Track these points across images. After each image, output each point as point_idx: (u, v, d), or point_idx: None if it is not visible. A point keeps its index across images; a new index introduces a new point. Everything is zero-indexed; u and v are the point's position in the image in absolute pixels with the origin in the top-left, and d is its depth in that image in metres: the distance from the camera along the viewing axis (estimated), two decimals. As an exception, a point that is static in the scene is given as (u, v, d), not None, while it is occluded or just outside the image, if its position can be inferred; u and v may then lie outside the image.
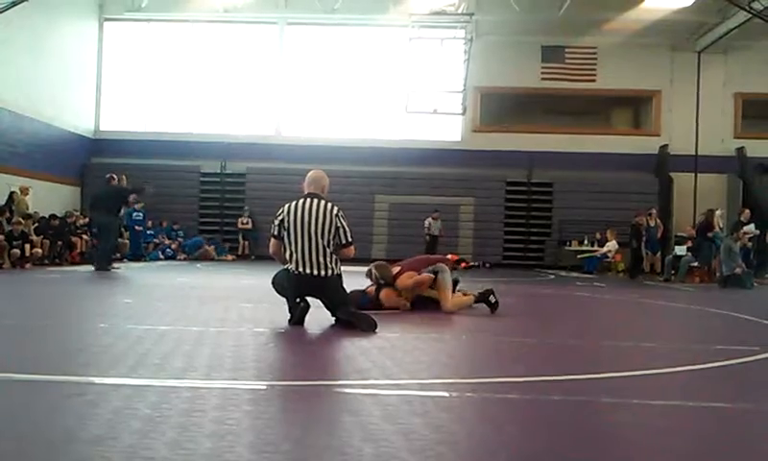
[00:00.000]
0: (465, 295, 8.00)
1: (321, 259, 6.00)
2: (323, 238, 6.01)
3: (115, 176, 14.65)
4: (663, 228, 19.28)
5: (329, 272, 6.03)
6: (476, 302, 7.81)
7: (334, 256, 6.09)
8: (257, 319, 6.59)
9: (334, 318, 6.15)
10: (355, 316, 6.07)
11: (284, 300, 6.22)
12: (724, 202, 22.07)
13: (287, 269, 6.11)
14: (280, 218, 6.12)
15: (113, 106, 23.97)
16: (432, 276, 7.58)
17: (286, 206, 6.16)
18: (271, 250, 6.34)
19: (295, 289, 6.10)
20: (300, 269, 6.01)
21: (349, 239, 6.17)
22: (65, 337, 5.43)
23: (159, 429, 2.71)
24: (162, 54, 23.89)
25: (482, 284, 8.21)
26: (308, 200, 6.12)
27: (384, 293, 7.51)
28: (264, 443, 2.63)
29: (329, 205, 6.14)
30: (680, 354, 5.44)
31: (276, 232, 6.17)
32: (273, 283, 6.36)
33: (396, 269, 7.71)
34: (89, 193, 19.29)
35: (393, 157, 22.64)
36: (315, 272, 6.00)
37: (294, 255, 6.04)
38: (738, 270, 14.66)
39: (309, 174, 6.38)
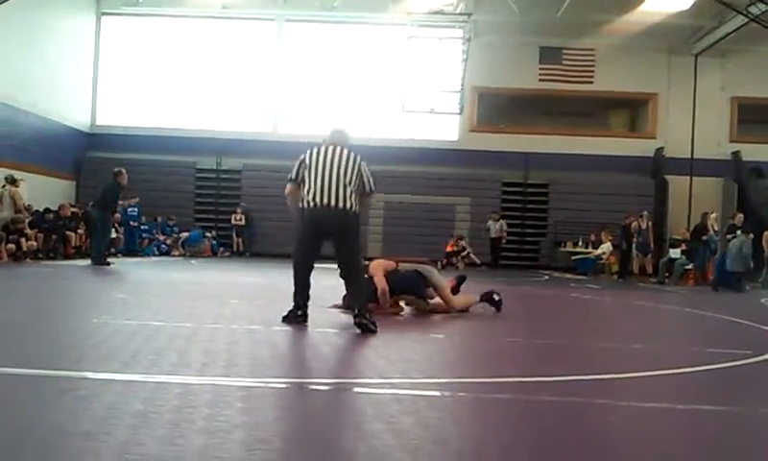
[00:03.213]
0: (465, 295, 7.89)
1: (341, 193, 5.81)
2: (345, 177, 5.86)
3: (123, 171, 14.42)
4: (655, 230, 19.30)
5: (349, 206, 5.83)
6: (480, 301, 7.72)
7: (354, 196, 5.90)
8: (251, 316, 6.59)
9: (353, 318, 5.77)
10: (363, 315, 5.74)
11: (283, 300, 6.12)
12: (719, 205, 22.09)
13: (302, 213, 5.87)
14: (302, 159, 6.01)
15: (110, 100, 23.89)
16: (385, 287, 6.92)
17: (309, 150, 6.06)
18: (287, 192, 6.16)
19: (310, 234, 5.90)
20: (318, 200, 5.80)
21: (373, 187, 6.05)
22: (59, 332, 5.42)
23: (151, 425, 2.72)
24: (160, 49, 23.80)
25: (484, 285, 8.21)
26: (332, 146, 6.02)
27: (372, 265, 7.16)
28: (255, 440, 2.64)
29: (353, 153, 6.04)
30: (672, 357, 5.46)
31: (294, 176, 6.02)
32: (293, 261, 6.14)
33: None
34: (89, 187, 19.06)
35: (389, 155, 22.55)
36: (333, 203, 5.79)
37: (312, 188, 5.85)
38: (741, 267, 14.61)
39: (333, 128, 6.37)
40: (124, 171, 14.41)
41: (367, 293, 6.23)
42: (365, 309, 5.80)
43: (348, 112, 23.47)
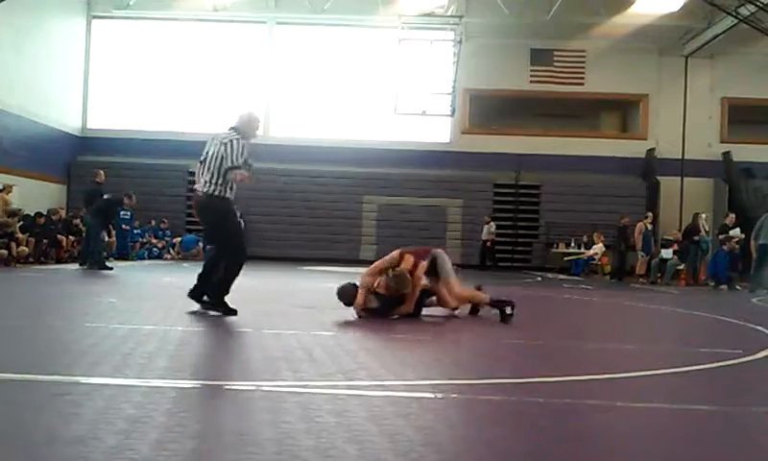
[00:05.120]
0: (478, 290, 7.48)
1: (206, 179, 6.55)
2: (209, 162, 6.58)
3: (100, 171, 15.00)
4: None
5: (210, 189, 6.53)
6: (492, 305, 7.19)
7: (221, 180, 6.53)
8: (242, 319, 6.56)
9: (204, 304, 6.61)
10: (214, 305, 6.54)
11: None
12: (710, 206, 22.23)
13: None
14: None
15: (101, 104, 23.84)
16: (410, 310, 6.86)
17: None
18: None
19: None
20: (195, 187, 6.74)
21: (233, 162, 6.54)
22: (50, 337, 5.39)
23: (143, 429, 2.70)
24: (151, 52, 23.77)
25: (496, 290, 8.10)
26: (218, 134, 6.73)
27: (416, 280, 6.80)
28: (248, 443, 2.63)
29: (226, 135, 6.64)
30: (664, 357, 5.47)
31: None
32: None
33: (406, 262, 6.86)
34: (80, 191, 19.15)
35: (381, 158, 22.63)
36: (199, 188, 6.58)
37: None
38: None
39: (242, 112, 6.97)
40: (101, 172, 15.24)
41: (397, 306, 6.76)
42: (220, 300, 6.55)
43: (340, 115, 23.50)
